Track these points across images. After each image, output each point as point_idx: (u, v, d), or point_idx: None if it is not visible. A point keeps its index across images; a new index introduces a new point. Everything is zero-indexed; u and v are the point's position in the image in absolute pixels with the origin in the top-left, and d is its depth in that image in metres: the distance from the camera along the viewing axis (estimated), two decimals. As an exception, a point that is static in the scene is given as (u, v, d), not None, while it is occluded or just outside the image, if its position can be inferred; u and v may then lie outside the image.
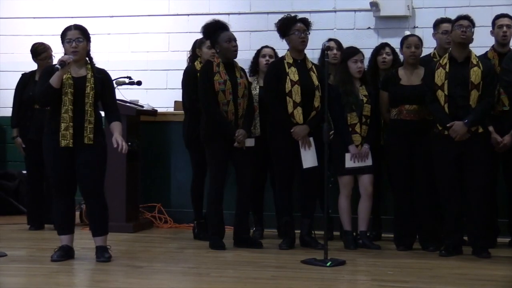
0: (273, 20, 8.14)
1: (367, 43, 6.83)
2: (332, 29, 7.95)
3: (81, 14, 8.44)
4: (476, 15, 5.90)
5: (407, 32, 7.77)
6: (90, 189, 5.37)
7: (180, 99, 7.15)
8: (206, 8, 8.52)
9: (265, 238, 6.54)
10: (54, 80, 5.24)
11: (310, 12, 7.67)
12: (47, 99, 5.34)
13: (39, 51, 7.09)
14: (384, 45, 6.50)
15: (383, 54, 6.43)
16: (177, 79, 8.38)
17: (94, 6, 8.78)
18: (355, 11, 8.26)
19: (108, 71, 5.59)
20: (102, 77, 5.42)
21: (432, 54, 6.42)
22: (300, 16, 6.17)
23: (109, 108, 5.47)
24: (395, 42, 6.72)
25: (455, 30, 5.72)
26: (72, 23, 5.46)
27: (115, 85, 5.87)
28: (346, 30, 8.08)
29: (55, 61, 6.15)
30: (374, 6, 8.12)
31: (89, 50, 5.44)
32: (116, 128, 5.38)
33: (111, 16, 8.79)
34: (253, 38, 8.13)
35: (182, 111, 6.91)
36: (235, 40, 6.05)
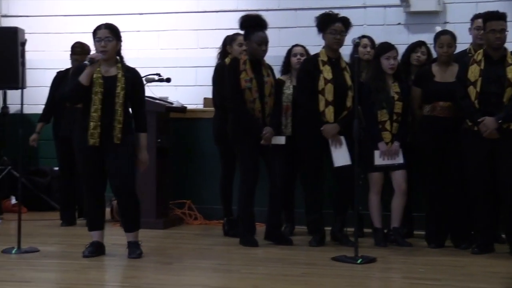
0: (301, 16, 8.20)
1: (397, 39, 6.76)
2: (362, 25, 7.88)
3: (111, 11, 8.48)
4: (509, 9, 5.79)
5: (438, 28, 7.68)
6: (121, 186, 5.38)
7: (209, 95, 7.15)
8: (235, 5, 8.51)
9: (295, 235, 6.52)
10: (83, 77, 5.27)
11: (339, 8, 7.56)
12: (76, 96, 5.37)
13: (76, 52, 7.10)
14: (421, 44, 6.41)
15: (418, 52, 6.35)
16: (206, 76, 8.41)
17: (124, 4, 8.82)
18: (385, 6, 8.20)
19: (137, 68, 5.60)
20: (131, 76, 5.41)
21: (468, 49, 6.32)
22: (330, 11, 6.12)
23: (137, 112, 5.46)
24: (425, 38, 6.66)
25: (489, 34, 5.63)
26: (102, 21, 5.48)
27: (144, 82, 5.86)
28: (376, 26, 8.01)
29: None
30: (405, 1, 8.06)
31: (119, 49, 5.44)
32: (143, 141, 5.44)
33: (140, 14, 8.82)
34: (282, 35, 8.09)
35: (212, 108, 6.91)
36: (266, 43, 6.01)
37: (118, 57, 5.43)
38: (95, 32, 5.39)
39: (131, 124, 5.45)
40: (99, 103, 5.29)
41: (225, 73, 6.15)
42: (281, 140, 6.06)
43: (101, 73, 5.33)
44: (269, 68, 6.13)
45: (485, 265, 5.29)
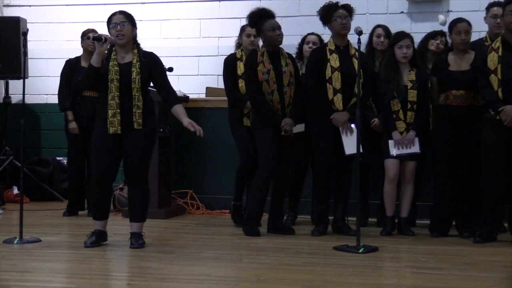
0: (304, 5, 8.17)
1: (400, 28, 6.71)
2: (365, 14, 7.86)
3: (113, 1, 8.45)
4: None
5: (441, 16, 7.69)
6: (134, 174, 5.37)
7: (211, 85, 7.16)
8: (238, -6, 8.48)
9: (297, 224, 6.52)
10: (94, 59, 5.26)
11: (342, -3, 7.59)
12: (91, 80, 5.34)
13: (85, 33, 7.06)
14: (441, 33, 6.41)
15: (438, 40, 6.36)
16: (209, 65, 8.42)
17: (126, -7, 8.79)
18: (388, -5, 8.17)
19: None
20: (148, 60, 5.36)
21: (484, 38, 6.30)
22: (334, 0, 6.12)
23: (163, 91, 5.40)
24: (428, 27, 6.67)
25: (507, 15, 5.59)
26: (104, 11, 5.47)
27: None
28: (379, 15, 7.98)
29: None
30: (408, -10, 8.02)
31: (135, 35, 5.41)
32: (181, 112, 5.33)
33: (142, 3, 8.80)
34: (285, 24, 7.96)
35: (214, 97, 6.91)
36: (279, 28, 6.01)
37: (134, 44, 5.39)
38: (109, 20, 5.36)
39: (151, 110, 5.40)
40: (115, 90, 5.27)
41: (244, 65, 6.16)
42: (301, 128, 6.08)
43: (117, 61, 5.32)
44: (289, 57, 6.11)
45: (487, 254, 5.28)
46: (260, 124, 5.99)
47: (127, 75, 5.29)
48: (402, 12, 8.13)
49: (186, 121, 5.30)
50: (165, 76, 5.50)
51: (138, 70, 5.30)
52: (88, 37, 5.19)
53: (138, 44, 5.43)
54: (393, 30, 6.39)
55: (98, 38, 5.25)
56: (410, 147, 5.96)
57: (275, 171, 5.96)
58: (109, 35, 5.28)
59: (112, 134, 5.27)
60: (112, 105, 5.27)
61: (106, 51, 5.32)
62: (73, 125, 7.08)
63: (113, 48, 5.37)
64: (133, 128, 5.28)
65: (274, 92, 5.94)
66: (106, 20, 5.39)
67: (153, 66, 5.38)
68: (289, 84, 5.98)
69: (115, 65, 5.30)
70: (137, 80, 5.29)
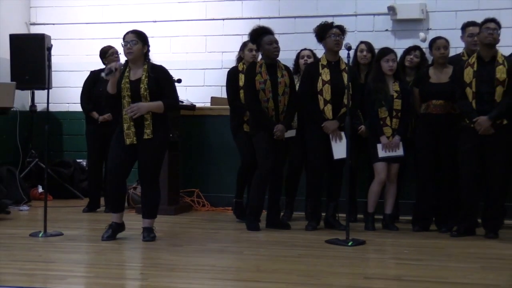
0: (299, 23, 8.17)
1: (385, 44, 6.70)
2: (353, 31, 7.85)
3: (127, 20, 8.47)
4: (483, 18, 5.78)
5: (422, 34, 7.69)
6: (147, 176, 5.38)
7: (216, 95, 7.15)
8: (239, 13, 8.48)
9: (293, 220, 6.51)
10: (109, 87, 5.32)
11: (333, 16, 7.58)
12: (109, 104, 5.53)
13: (105, 50, 7.06)
14: (415, 48, 6.43)
15: (411, 55, 6.36)
16: (213, 77, 8.43)
17: (139, 13, 8.79)
18: (374, 14, 8.16)
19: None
20: (155, 75, 5.32)
21: (462, 53, 6.31)
22: (324, 19, 6.12)
23: (165, 97, 5.34)
24: (411, 43, 6.65)
25: (483, 32, 5.61)
26: (119, 28, 5.47)
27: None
28: (366, 32, 7.98)
29: (121, 57, 6.07)
30: (391, 10, 8.02)
31: (146, 52, 5.37)
32: (154, 102, 5.25)
33: (154, 21, 8.79)
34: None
35: (218, 106, 6.90)
36: (276, 42, 6.02)
37: (145, 60, 5.37)
38: (123, 38, 5.36)
39: (160, 121, 5.35)
40: (127, 105, 5.28)
41: (244, 75, 6.14)
42: (292, 133, 6.07)
43: (128, 78, 5.32)
44: (286, 69, 6.09)
45: (463, 247, 5.28)
46: (256, 129, 5.99)
47: (136, 91, 5.29)
48: (386, 30, 8.13)
49: (142, 103, 5.23)
50: (171, 86, 5.45)
51: (146, 86, 5.28)
52: (102, 77, 5.21)
53: (149, 60, 5.39)
54: (379, 46, 6.38)
55: (109, 72, 5.23)
56: (396, 151, 5.97)
57: (272, 171, 5.96)
58: (119, 63, 5.28)
59: (129, 144, 5.29)
60: (126, 119, 5.30)
61: (122, 68, 5.32)
62: (102, 117, 6.98)
63: (127, 64, 5.37)
64: (144, 138, 5.29)
65: (270, 100, 5.93)
66: (122, 36, 5.39)
67: (160, 79, 5.36)
68: (284, 93, 5.97)
69: (126, 83, 5.30)
70: (145, 95, 5.28)
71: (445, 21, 7.56)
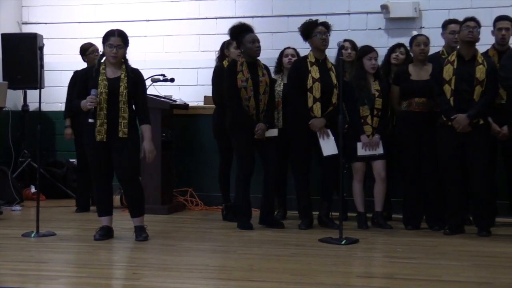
0: (293, 22, 8.15)
1: (378, 43, 6.75)
2: (346, 30, 7.87)
3: (121, 18, 8.46)
4: (477, 16, 5.80)
5: (415, 32, 7.65)
6: (126, 176, 5.38)
7: (209, 94, 7.14)
8: (232, 12, 8.48)
9: (287, 219, 6.51)
10: (83, 106, 5.28)
11: (326, 15, 7.60)
12: (74, 113, 5.51)
13: (86, 47, 7.08)
14: (400, 45, 6.43)
15: (397, 52, 6.37)
16: (206, 76, 8.39)
17: (132, 12, 8.78)
18: (367, 13, 8.17)
19: (144, 70, 5.57)
20: (134, 76, 5.36)
21: (440, 51, 6.33)
22: (317, 17, 6.11)
23: (139, 109, 5.40)
24: (404, 41, 6.62)
25: (463, 30, 5.64)
26: (112, 27, 5.44)
27: (150, 82, 5.81)
28: (359, 31, 7.99)
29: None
30: (385, 8, 8.03)
31: (125, 53, 5.40)
32: (146, 133, 5.37)
33: (147, 20, 8.78)
34: (274, 39, 8.08)
35: (211, 105, 6.89)
36: (258, 41, 6.00)
37: (123, 60, 5.39)
38: (107, 37, 5.32)
39: (135, 120, 5.41)
40: (104, 102, 5.27)
41: (224, 73, 6.12)
42: (273, 132, 6.04)
43: (106, 75, 5.31)
44: (265, 68, 6.09)
45: (455, 245, 5.29)
46: (235, 129, 5.97)
47: (115, 89, 5.29)
48: (380, 28, 8.14)
49: (145, 144, 5.35)
50: (145, 94, 5.53)
51: (126, 84, 5.30)
52: (90, 122, 5.25)
53: (126, 60, 5.40)
54: (373, 45, 6.37)
55: (91, 112, 5.26)
56: (375, 149, 5.98)
57: (251, 172, 5.95)
58: (92, 98, 5.23)
59: (99, 141, 5.28)
60: (101, 115, 5.28)
61: (96, 63, 5.38)
62: (67, 130, 7.08)
63: (102, 61, 5.36)
64: (119, 137, 5.28)
65: (251, 98, 5.92)
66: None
67: (137, 82, 5.39)
68: (265, 92, 5.97)
69: (104, 80, 5.29)
70: (124, 94, 5.29)
71: (438, 20, 7.52)
